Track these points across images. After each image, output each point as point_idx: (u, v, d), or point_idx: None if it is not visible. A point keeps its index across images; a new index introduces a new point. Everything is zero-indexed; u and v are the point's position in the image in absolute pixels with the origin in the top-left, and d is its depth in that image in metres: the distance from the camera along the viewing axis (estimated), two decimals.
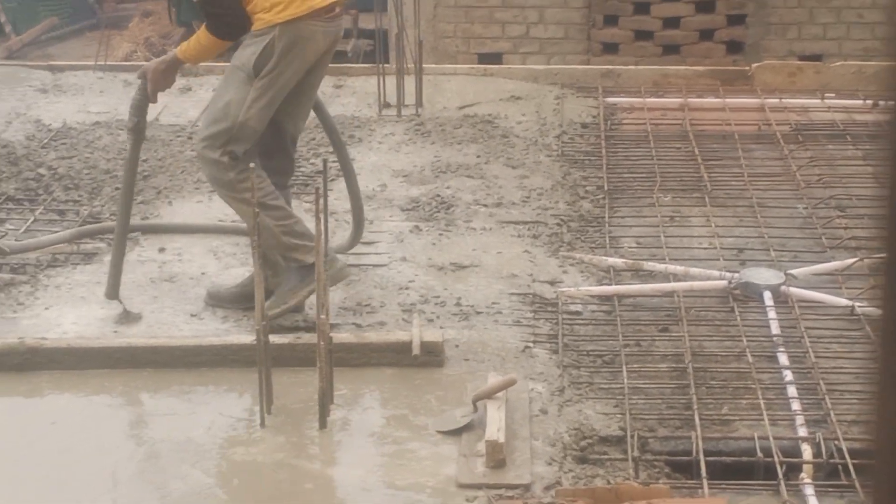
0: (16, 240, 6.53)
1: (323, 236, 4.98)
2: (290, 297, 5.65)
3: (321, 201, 4.81)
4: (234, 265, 6.30)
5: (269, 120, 5.63)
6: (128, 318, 5.84)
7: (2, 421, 5.18)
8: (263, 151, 5.75)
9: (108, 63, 9.29)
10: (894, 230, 0.43)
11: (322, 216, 4.87)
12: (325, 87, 8.85)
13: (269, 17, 5.48)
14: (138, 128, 5.92)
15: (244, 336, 5.44)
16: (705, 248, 6.55)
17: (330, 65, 9.17)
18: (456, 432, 4.92)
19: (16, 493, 4.70)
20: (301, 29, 5.51)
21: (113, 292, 5.88)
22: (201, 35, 5.72)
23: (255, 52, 5.53)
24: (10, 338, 5.55)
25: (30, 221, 6.87)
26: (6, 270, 6.25)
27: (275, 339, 5.15)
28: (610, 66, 9.28)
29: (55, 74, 9.17)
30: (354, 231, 6.28)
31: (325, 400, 4.96)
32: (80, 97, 8.73)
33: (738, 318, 5.81)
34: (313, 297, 5.36)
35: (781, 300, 5.93)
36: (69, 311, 5.89)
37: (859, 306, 5.85)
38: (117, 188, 7.18)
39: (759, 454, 4.77)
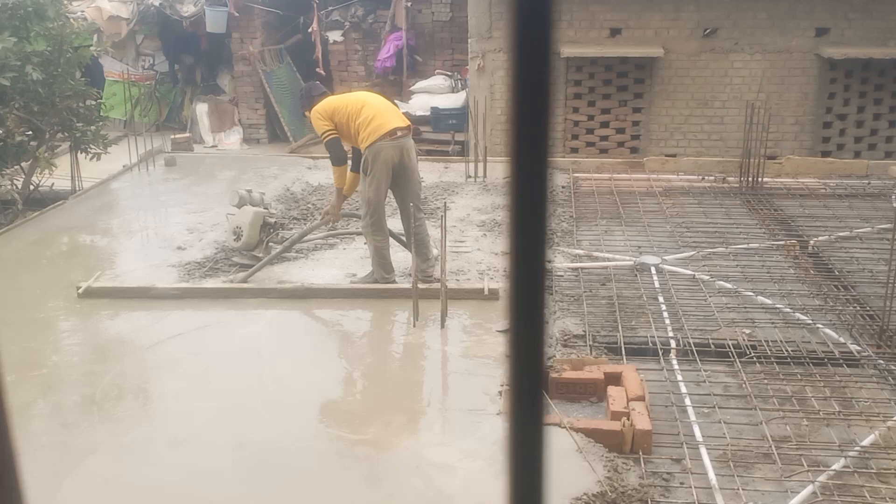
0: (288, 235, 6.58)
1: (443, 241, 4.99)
2: (369, 280, 5.57)
3: (442, 221, 4.83)
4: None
5: (382, 196, 5.39)
6: (360, 280, 5.68)
7: (294, 320, 5.24)
8: (401, 212, 5.59)
9: None
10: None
11: (443, 230, 4.89)
12: (439, 168, 8.89)
13: (363, 145, 5.34)
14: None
15: (402, 284, 5.42)
16: (622, 245, 6.47)
17: (439, 157, 9.24)
18: (505, 331, 4.92)
19: (300, 345, 4.80)
20: (376, 147, 5.27)
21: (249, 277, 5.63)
22: (333, 170, 5.62)
23: (363, 163, 5.37)
24: (296, 282, 5.64)
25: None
26: (293, 252, 6.30)
27: (421, 285, 5.17)
28: (575, 158, 9.19)
29: (314, 160, 9.26)
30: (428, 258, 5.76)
31: (444, 314, 5.00)
32: (326, 171, 8.76)
33: (639, 280, 5.75)
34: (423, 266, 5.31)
35: (660, 272, 5.86)
36: (322, 271, 5.93)
37: (697, 275, 5.78)
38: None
39: (650, 343, 4.75)
